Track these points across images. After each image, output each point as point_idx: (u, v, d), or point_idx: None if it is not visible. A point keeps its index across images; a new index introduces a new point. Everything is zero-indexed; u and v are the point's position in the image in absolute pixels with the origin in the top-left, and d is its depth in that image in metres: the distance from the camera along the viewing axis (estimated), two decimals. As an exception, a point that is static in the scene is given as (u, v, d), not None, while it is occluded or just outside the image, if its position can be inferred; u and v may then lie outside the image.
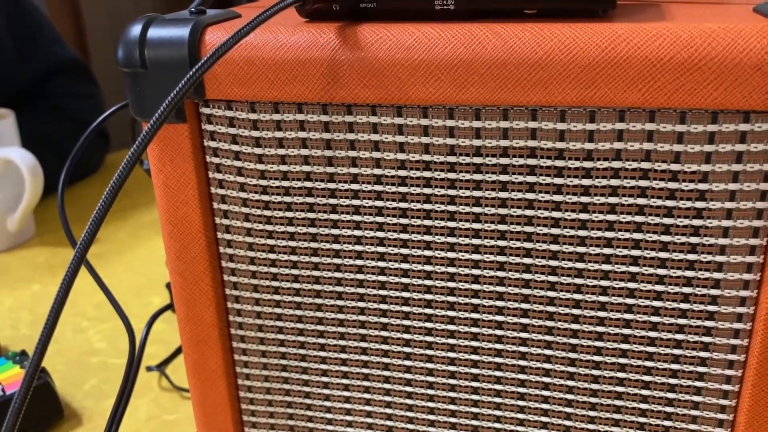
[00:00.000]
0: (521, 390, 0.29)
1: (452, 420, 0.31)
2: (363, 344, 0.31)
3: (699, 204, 0.25)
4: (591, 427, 0.29)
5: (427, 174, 0.27)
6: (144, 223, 0.75)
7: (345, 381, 0.32)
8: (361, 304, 0.30)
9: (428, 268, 0.28)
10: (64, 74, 0.85)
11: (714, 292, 0.26)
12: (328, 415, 0.33)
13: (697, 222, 0.25)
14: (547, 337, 0.28)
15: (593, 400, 0.29)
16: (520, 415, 0.30)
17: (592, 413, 0.29)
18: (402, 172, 0.27)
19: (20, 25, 0.82)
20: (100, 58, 1.53)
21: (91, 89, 0.88)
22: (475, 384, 0.30)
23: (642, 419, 0.29)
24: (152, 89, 0.28)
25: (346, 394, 0.32)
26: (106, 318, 0.57)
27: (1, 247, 0.69)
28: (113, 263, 0.66)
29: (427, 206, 0.28)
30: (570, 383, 0.29)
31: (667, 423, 0.28)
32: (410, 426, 0.32)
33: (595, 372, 0.28)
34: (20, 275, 0.64)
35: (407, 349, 0.30)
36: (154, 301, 0.59)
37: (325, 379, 0.32)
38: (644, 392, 0.28)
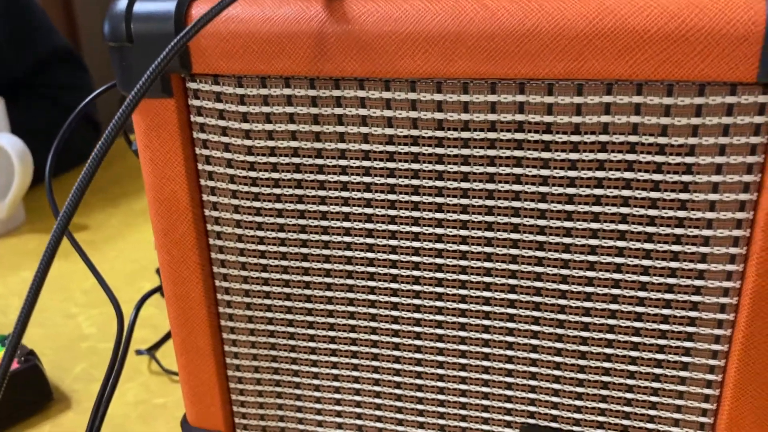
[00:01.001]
0: (509, 366, 0.29)
1: (440, 397, 0.31)
2: (351, 322, 0.31)
3: (686, 177, 0.25)
4: (578, 403, 0.29)
5: (415, 149, 0.27)
6: (135, 210, 0.75)
7: (333, 359, 0.32)
8: (350, 282, 0.30)
9: (416, 244, 0.28)
10: (57, 64, 0.85)
11: (701, 266, 0.26)
12: (317, 393, 0.33)
13: (683, 196, 0.25)
14: (535, 313, 0.28)
15: (581, 376, 0.29)
16: (508, 392, 0.30)
17: (579, 389, 0.29)
18: (390, 147, 0.27)
19: (14, 14, 0.81)
20: (91, 48, 1.52)
21: (83, 79, 0.88)
22: (462, 361, 0.30)
23: (629, 395, 0.29)
24: (139, 63, 0.27)
25: (335, 372, 0.32)
26: (95, 304, 0.56)
27: (-9, 234, 0.69)
28: (104, 250, 0.66)
29: (415, 182, 0.27)
30: (557, 359, 0.29)
31: (653, 398, 0.28)
32: (398, 404, 0.32)
33: (582, 348, 0.28)
34: (10, 262, 0.64)
35: (395, 326, 0.30)
36: (145, 286, 0.59)
37: (313, 357, 0.32)
38: (631, 368, 0.28)
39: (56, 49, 0.86)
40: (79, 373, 0.48)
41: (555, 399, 0.30)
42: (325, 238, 0.29)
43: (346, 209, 0.29)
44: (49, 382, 0.44)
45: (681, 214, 0.25)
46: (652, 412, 0.29)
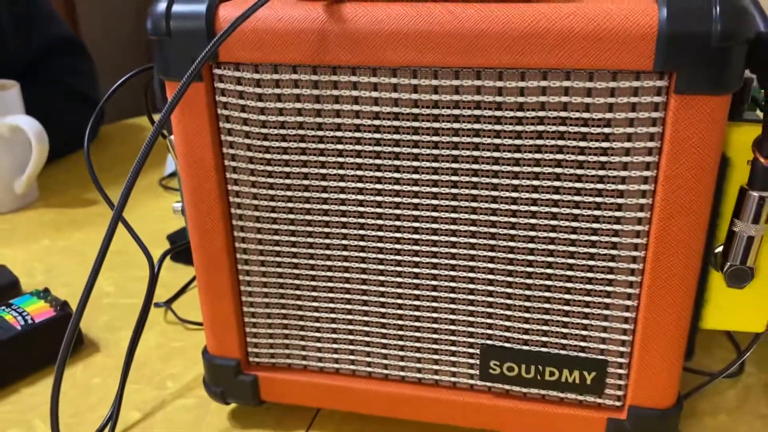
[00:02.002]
0: (471, 297, 0.37)
1: (417, 324, 0.38)
2: (346, 264, 0.38)
3: (604, 144, 0.32)
4: (526, 326, 0.37)
5: (396, 123, 0.34)
6: (140, 187, 0.81)
7: (331, 295, 0.39)
8: (344, 231, 0.37)
9: (397, 200, 0.36)
10: (62, 51, 0.91)
11: (618, 213, 0.33)
12: (316, 324, 0.40)
13: (603, 158, 0.33)
14: (490, 253, 0.36)
15: (527, 304, 0.36)
16: (470, 318, 0.37)
17: (527, 315, 0.37)
18: (377, 122, 0.34)
19: (18, 2, 0.87)
20: (89, 37, 1.57)
21: (87, 65, 0.94)
22: (434, 293, 0.37)
23: (566, 319, 0.36)
24: (176, 53, 0.34)
25: (332, 305, 0.39)
26: (113, 267, 0.63)
27: (9, 207, 0.75)
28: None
29: (396, 149, 0.35)
30: (509, 290, 0.36)
31: (585, 322, 0.36)
32: (383, 330, 0.39)
33: (528, 281, 0.36)
34: (30, 232, 0.70)
35: (381, 267, 0.37)
36: (156, 253, 0.66)
37: (314, 294, 0.39)
38: (567, 297, 0.36)
39: (59, 36, 0.91)
40: (102, 324, 0.55)
41: (507, 323, 0.37)
42: (324, 195, 0.37)
43: (341, 171, 0.36)
44: (81, 329, 0.51)
45: (601, 173, 0.33)
46: (584, 332, 0.36)
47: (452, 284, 0.37)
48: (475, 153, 0.34)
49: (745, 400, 0.45)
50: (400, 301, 0.38)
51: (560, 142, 0.33)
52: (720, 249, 0.35)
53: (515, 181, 0.34)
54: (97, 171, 0.86)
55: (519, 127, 0.33)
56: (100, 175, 0.85)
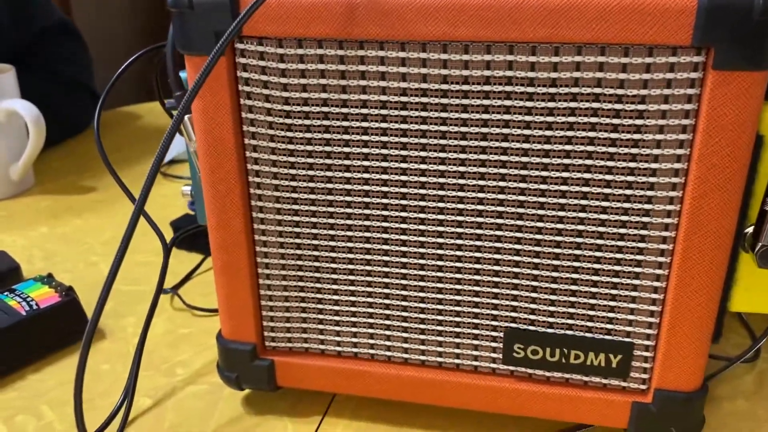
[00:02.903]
0: (496, 279, 0.36)
1: (439, 307, 0.38)
2: (367, 246, 0.37)
3: (638, 121, 0.32)
4: (552, 308, 0.36)
5: (424, 99, 0.33)
6: (137, 173, 0.80)
7: (351, 277, 0.38)
8: (367, 212, 0.36)
9: (423, 179, 0.35)
10: (56, 37, 0.89)
11: (650, 193, 0.33)
12: (336, 308, 0.39)
13: (636, 136, 0.32)
14: (517, 234, 0.35)
15: (554, 286, 0.36)
16: (495, 301, 0.37)
17: (552, 297, 0.36)
18: (404, 98, 0.34)
19: None
20: (83, 23, 1.55)
21: (81, 51, 0.92)
22: (458, 276, 0.37)
23: (593, 301, 0.36)
24: (198, 27, 0.33)
25: (352, 288, 0.38)
26: (114, 253, 0.62)
27: (5, 194, 0.74)
28: (114, 208, 0.71)
29: (423, 127, 0.34)
30: (535, 272, 0.36)
31: (612, 303, 0.35)
32: (404, 314, 0.38)
33: (555, 262, 0.35)
34: (27, 219, 0.69)
35: (404, 249, 0.37)
36: (156, 240, 0.64)
37: (335, 276, 0.38)
38: (594, 278, 0.35)
39: (55, 23, 0.90)
40: (108, 310, 0.54)
41: (533, 306, 0.36)
42: (347, 175, 0.36)
43: (365, 150, 0.35)
44: (86, 314, 0.50)
45: (634, 151, 0.32)
46: (610, 315, 0.36)
47: (477, 266, 0.36)
48: (505, 131, 0.33)
49: (762, 385, 0.45)
50: (422, 284, 0.37)
51: (593, 120, 0.32)
52: (751, 229, 0.34)
53: (545, 160, 0.33)
54: (93, 158, 0.85)
55: (551, 104, 0.32)
56: (96, 162, 0.83)
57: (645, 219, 0.33)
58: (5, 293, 0.49)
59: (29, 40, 0.86)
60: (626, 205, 0.33)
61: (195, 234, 0.61)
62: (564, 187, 0.34)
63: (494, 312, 0.37)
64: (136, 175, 0.79)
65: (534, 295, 0.36)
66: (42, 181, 0.78)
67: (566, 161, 0.33)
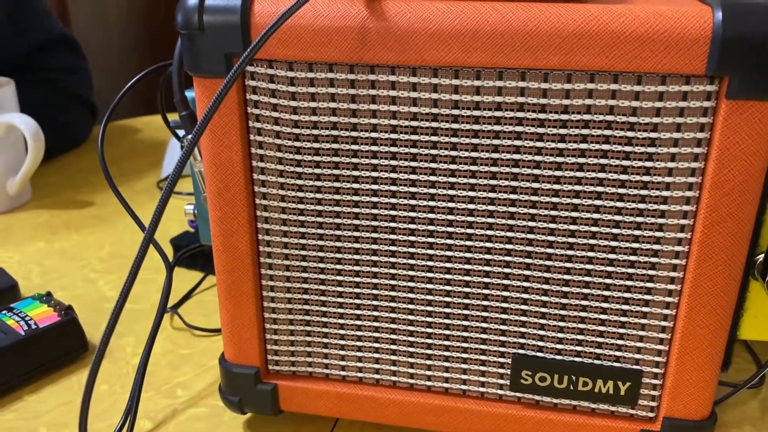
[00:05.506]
0: (504, 305, 0.36)
1: (446, 332, 0.37)
2: (374, 269, 0.37)
3: (650, 149, 0.32)
4: (560, 335, 0.36)
5: (434, 124, 0.33)
6: (136, 189, 0.79)
7: (357, 301, 0.38)
8: (374, 235, 0.36)
9: (432, 204, 0.35)
10: (56, 49, 0.89)
11: (660, 221, 0.33)
12: (341, 332, 0.39)
13: (648, 164, 0.32)
14: (527, 260, 0.35)
15: (563, 312, 0.35)
16: (503, 327, 0.36)
17: (561, 324, 0.36)
18: (414, 123, 0.33)
19: (13, 0, 0.85)
20: (81, 35, 1.54)
21: (80, 63, 0.92)
22: (466, 301, 0.36)
23: (602, 328, 0.35)
24: (207, 49, 0.33)
25: (358, 312, 0.38)
26: (112, 270, 0.61)
27: (2, 209, 0.73)
28: (113, 223, 0.71)
29: (433, 151, 0.34)
30: (544, 298, 0.35)
31: (621, 330, 0.35)
32: (410, 338, 0.38)
33: (564, 288, 0.35)
34: (24, 234, 0.68)
35: (412, 273, 0.36)
36: (155, 256, 0.64)
37: (340, 299, 0.38)
38: (604, 305, 0.35)
39: (54, 35, 0.89)
40: (106, 329, 0.53)
41: (541, 332, 0.36)
42: (356, 198, 0.35)
43: (374, 174, 0.35)
44: (85, 334, 0.49)
45: (646, 178, 0.32)
46: (620, 342, 0.35)
47: (485, 291, 0.36)
48: (516, 156, 0.33)
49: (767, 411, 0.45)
50: (430, 308, 0.37)
51: (605, 146, 0.32)
52: (761, 257, 0.34)
53: (556, 186, 0.33)
54: (90, 172, 0.84)
55: (563, 131, 0.32)
56: (94, 176, 0.83)
57: (655, 246, 0.33)
58: (3, 312, 0.48)
59: (29, 52, 0.86)
60: (637, 232, 0.33)
61: (194, 252, 0.60)
62: (575, 214, 0.33)
63: (502, 338, 0.37)
64: (134, 190, 0.79)
65: (543, 321, 0.36)
66: (39, 196, 0.77)
67: (577, 188, 0.33)
